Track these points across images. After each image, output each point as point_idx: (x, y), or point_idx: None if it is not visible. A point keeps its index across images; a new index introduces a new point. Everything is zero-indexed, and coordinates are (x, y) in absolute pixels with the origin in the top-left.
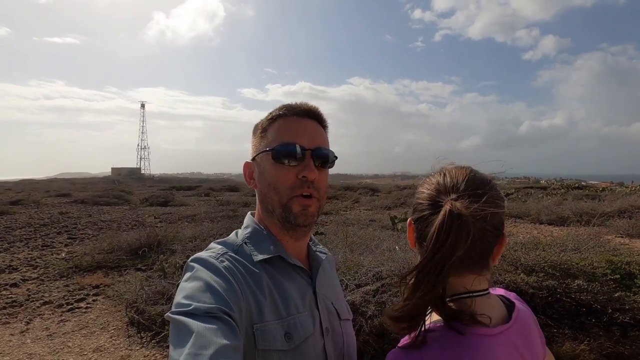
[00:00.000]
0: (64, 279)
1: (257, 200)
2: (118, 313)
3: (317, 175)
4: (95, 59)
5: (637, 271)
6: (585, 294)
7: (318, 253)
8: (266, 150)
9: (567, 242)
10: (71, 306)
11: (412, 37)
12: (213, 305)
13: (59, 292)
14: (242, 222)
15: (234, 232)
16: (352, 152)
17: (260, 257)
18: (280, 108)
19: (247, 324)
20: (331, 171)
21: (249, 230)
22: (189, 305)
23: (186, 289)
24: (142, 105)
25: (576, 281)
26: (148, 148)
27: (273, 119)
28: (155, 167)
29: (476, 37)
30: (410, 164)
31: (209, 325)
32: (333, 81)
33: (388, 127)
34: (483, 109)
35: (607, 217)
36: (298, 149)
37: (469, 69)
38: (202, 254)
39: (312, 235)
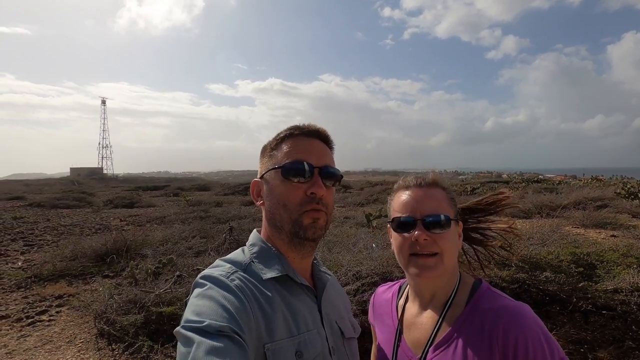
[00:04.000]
0: (22, 290)
1: (264, 218)
2: (86, 325)
3: (325, 192)
4: (52, 51)
5: (597, 262)
6: (552, 284)
7: (323, 273)
8: (275, 168)
9: (534, 235)
10: (32, 319)
11: (382, 34)
12: (225, 324)
13: (17, 304)
14: (215, 223)
15: (240, 249)
16: None
17: (269, 275)
18: (289, 128)
19: (257, 343)
20: None
21: (256, 248)
22: (202, 322)
23: (197, 305)
24: (103, 102)
25: (544, 273)
26: (110, 146)
27: (282, 139)
28: (119, 166)
29: (443, 36)
30: (382, 160)
31: (220, 344)
32: (304, 78)
33: (359, 123)
34: (450, 107)
35: (565, 209)
36: (307, 166)
37: (436, 67)
38: (213, 272)
39: (316, 256)
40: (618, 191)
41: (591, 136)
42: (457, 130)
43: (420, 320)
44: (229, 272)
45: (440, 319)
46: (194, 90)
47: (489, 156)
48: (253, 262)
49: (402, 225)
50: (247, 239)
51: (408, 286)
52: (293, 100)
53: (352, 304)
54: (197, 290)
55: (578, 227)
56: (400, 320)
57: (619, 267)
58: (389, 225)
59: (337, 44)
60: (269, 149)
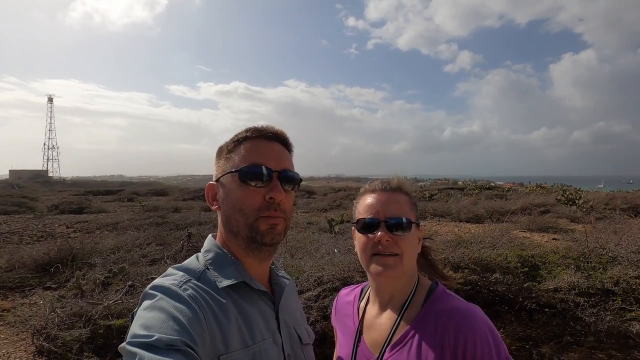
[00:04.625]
0: None
1: (219, 223)
2: (22, 342)
3: (284, 196)
4: None
5: (540, 263)
6: (500, 285)
7: (281, 279)
8: (232, 171)
9: (485, 239)
10: None
11: (347, 43)
12: (176, 337)
13: None
14: (172, 229)
15: (194, 256)
16: None
17: (225, 283)
18: (247, 130)
19: (212, 356)
20: None
21: (211, 254)
22: (150, 336)
23: (145, 318)
24: (50, 99)
25: (494, 275)
26: (57, 148)
27: (239, 141)
28: (68, 169)
29: (404, 47)
30: (346, 166)
31: (170, 359)
32: (269, 83)
33: (324, 130)
34: (410, 116)
35: (513, 214)
36: (265, 170)
37: (397, 78)
38: (164, 281)
39: (274, 260)
40: (558, 198)
41: (537, 147)
42: (417, 139)
43: (380, 321)
44: (181, 281)
45: (398, 319)
46: (153, 90)
47: (447, 164)
48: (208, 269)
49: (366, 226)
50: None
51: (370, 288)
52: (257, 105)
53: (313, 310)
54: (146, 302)
55: (524, 231)
56: (361, 322)
57: (559, 268)
58: (353, 227)
59: (302, 51)
60: (226, 150)
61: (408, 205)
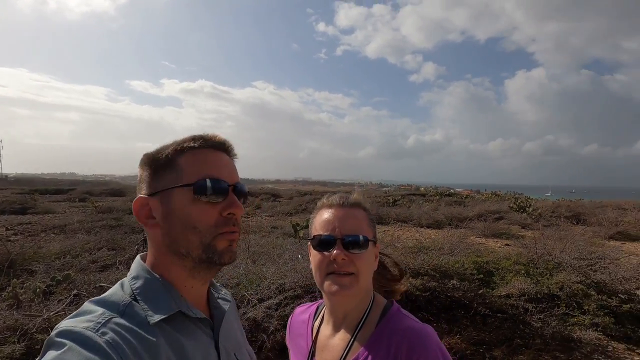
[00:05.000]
0: None
1: (152, 244)
2: None
3: (243, 211)
4: None
5: (494, 269)
6: (457, 292)
7: (220, 301)
8: (184, 185)
9: (444, 245)
10: None
11: (317, 48)
12: None
13: None
14: (128, 233)
15: (119, 283)
16: (256, 156)
17: (157, 317)
18: (192, 139)
19: None
20: None
21: (139, 282)
22: None
23: None
24: None
25: (451, 281)
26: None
27: (182, 150)
28: (12, 165)
29: (372, 55)
30: (313, 170)
31: None
32: (237, 83)
33: (292, 133)
34: (377, 122)
35: (470, 220)
36: (223, 184)
37: (365, 84)
38: (76, 324)
39: (213, 280)
40: (511, 205)
41: (493, 156)
42: (383, 145)
43: (333, 342)
44: (99, 322)
45: (352, 340)
46: (112, 85)
47: (411, 170)
48: (136, 300)
49: (321, 244)
50: None
51: (325, 307)
52: (224, 105)
53: (273, 319)
54: (50, 354)
55: (480, 237)
56: (314, 342)
57: (510, 274)
58: (309, 243)
59: (272, 53)
60: (164, 160)
61: (366, 221)
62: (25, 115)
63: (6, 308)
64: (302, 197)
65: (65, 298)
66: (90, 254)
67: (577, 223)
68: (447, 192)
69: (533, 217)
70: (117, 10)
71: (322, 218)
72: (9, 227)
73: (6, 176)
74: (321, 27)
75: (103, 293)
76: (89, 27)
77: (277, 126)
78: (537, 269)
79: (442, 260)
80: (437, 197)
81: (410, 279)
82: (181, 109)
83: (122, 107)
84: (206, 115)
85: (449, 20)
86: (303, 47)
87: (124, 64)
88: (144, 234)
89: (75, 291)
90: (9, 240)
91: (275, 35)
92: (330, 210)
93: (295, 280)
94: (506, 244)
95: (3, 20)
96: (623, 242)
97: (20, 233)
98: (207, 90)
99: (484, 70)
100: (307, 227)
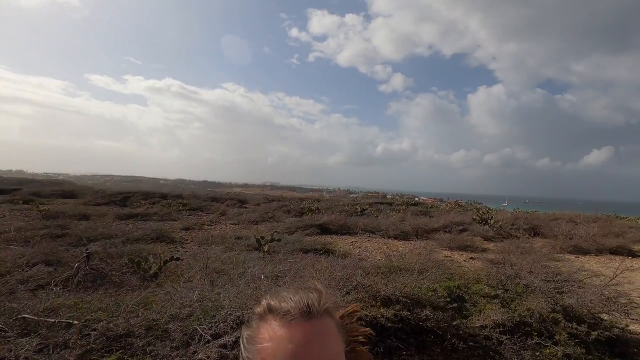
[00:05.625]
0: None
1: None
2: None
3: None
4: None
5: (465, 294)
6: (430, 322)
7: None
8: None
9: (414, 265)
10: None
11: (289, 53)
12: None
13: None
14: (72, 244)
15: None
16: (224, 159)
17: None
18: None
19: None
20: (198, 178)
21: None
22: None
23: None
24: None
25: (424, 312)
26: None
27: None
28: None
29: (343, 64)
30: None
31: None
32: (206, 83)
33: (261, 137)
34: (346, 129)
35: (435, 231)
36: None
37: (336, 92)
38: None
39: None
40: (474, 217)
41: (455, 167)
42: (352, 152)
43: None
44: None
45: None
46: (70, 78)
47: (378, 177)
48: None
49: None
50: (112, 268)
51: None
52: (192, 105)
53: None
54: None
55: (446, 249)
56: None
57: (483, 300)
58: None
59: (243, 55)
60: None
61: (336, 336)
62: None
63: None
64: (270, 203)
65: None
66: (22, 270)
67: (534, 235)
68: (413, 202)
69: (494, 229)
70: (81, 1)
71: (279, 346)
72: None
73: None
74: (294, 32)
75: (26, 327)
76: (47, 15)
77: (246, 129)
78: (506, 291)
79: (414, 286)
80: (404, 207)
81: (381, 308)
82: (146, 108)
83: (81, 102)
84: (173, 115)
85: (418, 34)
86: (275, 51)
87: (84, 57)
88: (86, 249)
89: None
90: None
91: (247, 38)
92: (289, 328)
93: None
94: (471, 257)
95: None
96: (577, 255)
97: None
98: (175, 90)
99: (449, 84)
100: (272, 240)
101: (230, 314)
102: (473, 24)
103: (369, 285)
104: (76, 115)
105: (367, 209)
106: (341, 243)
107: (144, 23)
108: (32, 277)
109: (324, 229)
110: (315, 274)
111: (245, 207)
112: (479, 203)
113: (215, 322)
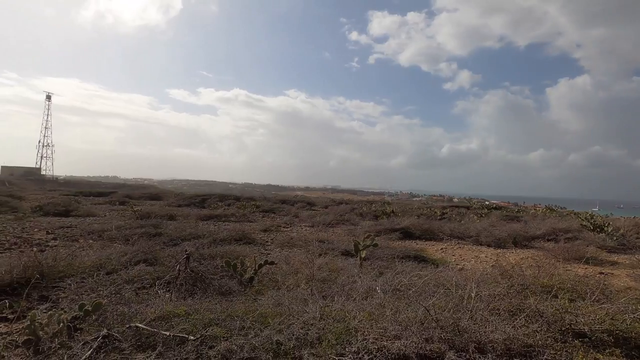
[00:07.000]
0: None
1: None
2: None
3: None
4: None
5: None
6: None
7: None
8: None
9: (565, 284)
10: None
11: (349, 57)
12: None
13: None
14: (166, 244)
15: None
16: (286, 163)
17: None
18: None
19: None
20: (263, 182)
21: None
22: None
23: None
24: (48, 97)
25: None
26: (52, 145)
27: None
28: (62, 168)
29: (405, 64)
30: (343, 178)
31: None
32: (269, 91)
33: (323, 140)
34: (408, 131)
35: (536, 239)
36: None
37: (397, 93)
38: None
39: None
40: (584, 224)
41: (533, 167)
42: (414, 154)
43: None
44: None
45: None
46: (154, 94)
47: (441, 180)
48: None
49: None
50: (208, 270)
51: None
52: (257, 113)
53: None
54: None
55: (559, 261)
56: None
57: None
58: None
59: (304, 61)
60: None
61: None
62: (74, 121)
63: (22, 344)
64: (338, 206)
65: (93, 340)
66: (126, 268)
67: None
68: (494, 205)
69: (614, 237)
70: (167, 23)
71: None
72: (50, 231)
73: (57, 178)
74: (354, 36)
75: (140, 338)
76: (139, 39)
77: (307, 134)
78: None
79: (619, 318)
80: (486, 211)
81: (581, 350)
82: (217, 117)
83: (162, 114)
84: (240, 122)
85: (487, 26)
86: (335, 56)
87: (166, 74)
88: (185, 251)
89: (104, 331)
90: (47, 246)
91: (307, 45)
92: None
93: (415, 342)
94: (600, 272)
95: (65, 35)
96: None
97: (60, 237)
98: (242, 99)
99: (524, 79)
100: (369, 246)
101: (368, 342)
102: (552, 9)
103: (549, 313)
104: (158, 127)
105: (447, 213)
106: (430, 249)
107: (214, 39)
108: (136, 276)
109: (407, 234)
110: (447, 290)
111: (314, 210)
112: (562, 208)
113: (357, 354)
